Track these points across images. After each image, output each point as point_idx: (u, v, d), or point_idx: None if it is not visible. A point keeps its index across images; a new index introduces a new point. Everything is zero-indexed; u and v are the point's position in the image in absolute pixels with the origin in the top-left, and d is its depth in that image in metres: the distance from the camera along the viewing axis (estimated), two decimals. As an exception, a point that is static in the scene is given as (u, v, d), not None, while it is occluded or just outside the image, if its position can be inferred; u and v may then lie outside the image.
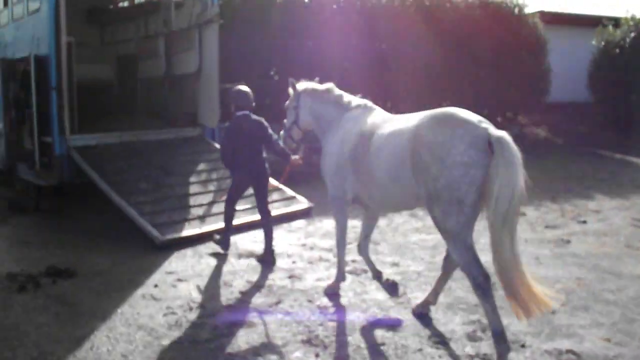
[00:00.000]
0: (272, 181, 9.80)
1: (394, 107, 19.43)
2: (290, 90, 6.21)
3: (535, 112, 20.62)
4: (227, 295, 5.88)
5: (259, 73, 15.40)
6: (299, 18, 16.06)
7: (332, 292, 5.79)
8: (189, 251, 7.40)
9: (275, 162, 7.62)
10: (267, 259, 6.93)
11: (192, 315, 5.34)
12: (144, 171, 9.13)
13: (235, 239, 7.77)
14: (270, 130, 7.11)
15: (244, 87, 7.33)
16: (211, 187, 9.26)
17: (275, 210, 8.96)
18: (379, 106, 5.73)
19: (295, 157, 6.76)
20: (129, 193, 8.35)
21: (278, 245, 7.58)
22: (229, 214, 7.34)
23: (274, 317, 5.28)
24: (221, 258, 7.13)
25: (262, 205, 7.29)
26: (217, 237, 7.42)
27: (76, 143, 9.48)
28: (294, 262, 6.93)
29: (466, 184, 4.14)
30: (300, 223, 8.95)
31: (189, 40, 11.10)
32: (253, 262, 6.97)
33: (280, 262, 6.91)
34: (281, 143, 6.73)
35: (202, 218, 8.23)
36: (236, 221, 8.23)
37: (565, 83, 19.59)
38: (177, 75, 11.89)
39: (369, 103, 5.69)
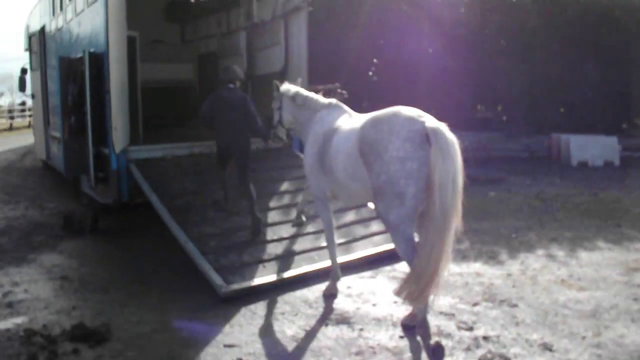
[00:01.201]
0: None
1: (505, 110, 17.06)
2: (275, 93, 6.48)
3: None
4: (306, 396, 3.95)
5: (356, 73, 13.53)
6: (398, 13, 14.10)
7: (329, 294, 5.78)
8: (259, 308, 5.55)
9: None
10: (255, 229, 6.74)
11: None
12: (215, 192, 7.43)
13: (321, 292, 5.90)
14: (253, 108, 7.17)
15: (233, 65, 7.73)
16: (295, 214, 7.44)
17: (375, 246, 7.02)
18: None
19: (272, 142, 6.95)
20: (192, 222, 6.68)
21: (379, 303, 5.63)
22: (223, 181, 7.29)
23: None
24: (302, 322, 5.23)
25: (242, 176, 7.10)
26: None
27: (138, 155, 7.98)
28: (401, 337, 4.89)
29: (403, 177, 4.30)
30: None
31: (273, 34, 9.38)
32: (345, 331, 5.01)
33: (383, 336, 4.90)
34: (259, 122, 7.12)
35: (281, 259, 6.38)
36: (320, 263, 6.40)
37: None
38: (260, 75, 10.21)
39: (334, 102, 5.85)
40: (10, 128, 31.37)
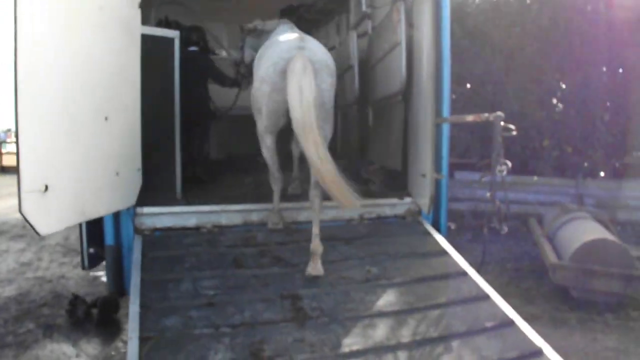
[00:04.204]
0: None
1: None
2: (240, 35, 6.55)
3: None
4: None
5: (532, 100, 9.57)
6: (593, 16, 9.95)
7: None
8: None
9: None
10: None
11: None
12: (251, 304, 4.10)
13: None
14: (215, 65, 7.24)
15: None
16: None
17: None
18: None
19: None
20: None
21: None
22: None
23: None
24: None
25: (200, 135, 7.22)
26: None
27: (155, 222, 4.98)
28: None
29: (260, 96, 4.68)
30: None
31: (391, 29, 5.83)
32: None
33: None
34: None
35: None
36: None
37: None
38: (377, 99, 6.73)
39: (287, 22, 5.81)
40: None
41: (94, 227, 5.09)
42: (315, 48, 4.70)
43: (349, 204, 4.29)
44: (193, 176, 6.81)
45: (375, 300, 4.28)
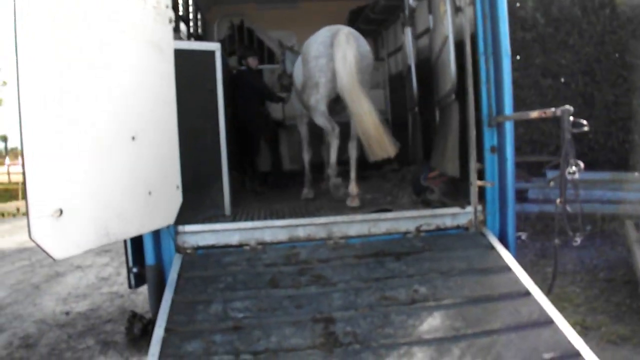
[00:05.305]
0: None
1: None
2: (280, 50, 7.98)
3: None
4: None
5: (628, 87, 8.66)
6: None
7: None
8: None
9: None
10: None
11: None
12: (277, 329, 3.84)
13: None
14: (260, 84, 7.91)
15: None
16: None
17: None
18: None
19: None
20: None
21: None
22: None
23: None
24: None
25: (254, 143, 7.75)
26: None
27: (198, 240, 4.88)
28: None
29: (317, 71, 5.57)
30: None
31: (441, 23, 5.37)
32: None
33: None
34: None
35: None
36: None
37: None
38: (437, 100, 6.26)
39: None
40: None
41: (138, 246, 5.05)
42: (346, 26, 5.71)
43: (384, 151, 5.07)
44: (264, 187, 7.66)
45: (418, 324, 3.87)
